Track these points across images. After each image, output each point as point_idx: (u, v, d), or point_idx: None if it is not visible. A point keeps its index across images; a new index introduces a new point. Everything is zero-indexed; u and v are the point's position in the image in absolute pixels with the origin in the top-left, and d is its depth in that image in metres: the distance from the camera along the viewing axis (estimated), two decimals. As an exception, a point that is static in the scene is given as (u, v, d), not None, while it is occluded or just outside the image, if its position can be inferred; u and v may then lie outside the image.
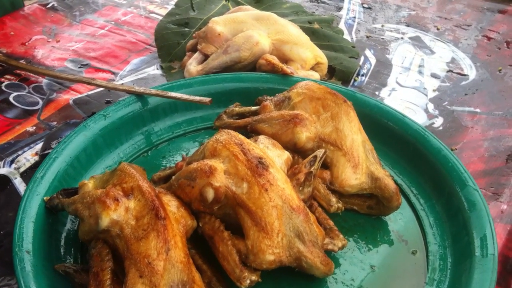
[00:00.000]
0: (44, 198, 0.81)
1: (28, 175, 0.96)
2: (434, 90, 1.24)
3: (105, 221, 0.69)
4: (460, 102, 1.20)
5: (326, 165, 0.87)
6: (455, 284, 0.77)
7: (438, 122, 1.14)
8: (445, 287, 0.77)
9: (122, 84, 1.17)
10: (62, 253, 0.80)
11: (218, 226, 0.75)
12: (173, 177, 0.81)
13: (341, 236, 0.80)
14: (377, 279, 0.80)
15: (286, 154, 0.83)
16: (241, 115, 1.01)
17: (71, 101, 1.15)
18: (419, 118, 1.14)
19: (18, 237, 0.74)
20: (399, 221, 0.89)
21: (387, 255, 0.83)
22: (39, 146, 1.02)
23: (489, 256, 0.76)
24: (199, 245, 0.77)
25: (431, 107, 1.18)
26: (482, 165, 1.02)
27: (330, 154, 0.87)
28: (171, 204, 0.75)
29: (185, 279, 0.69)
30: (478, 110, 1.17)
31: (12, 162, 0.99)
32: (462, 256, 0.79)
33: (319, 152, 0.82)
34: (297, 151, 0.88)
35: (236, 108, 1.02)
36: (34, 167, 0.97)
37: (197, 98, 0.99)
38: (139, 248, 0.68)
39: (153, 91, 1.01)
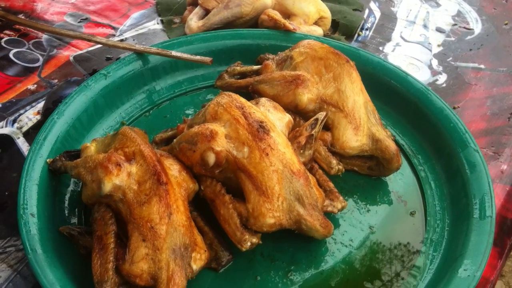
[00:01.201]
0: (47, 160, 0.82)
1: (30, 134, 0.96)
2: (438, 45, 1.22)
3: (107, 187, 0.70)
4: (465, 58, 1.19)
5: (327, 126, 0.87)
6: (451, 245, 0.78)
7: (442, 79, 1.13)
8: (442, 248, 0.79)
9: (122, 40, 1.16)
10: (67, 215, 0.81)
11: (219, 189, 0.76)
12: (175, 140, 0.81)
13: (341, 198, 0.81)
14: (375, 239, 0.81)
15: (287, 117, 0.83)
16: (243, 75, 1.00)
17: (71, 58, 1.14)
18: (422, 74, 1.13)
19: (23, 200, 0.76)
20: (399, 181, 0.90)
21: (386, 216, 0.85)
22: (40, 105, 1.02)
23: (487, 218, 0.77)
24: (201, 208, 0.78)
25: (435, 63, 1.17)
26: (484, 124, 1.02)
27: (332, 116, 0.87)
28: (173, 168, 0.76)
29: (187, 242, 0.70)
30: (482, 66, 1.16)
31: (14, 121, 0.99)
32: (460, 217, 0.81)
33: (321, 115, 0.82)
34: (299, 112, 0.88)
35: (238, 67, 1.01)
36: (37, 126, 0.97)
37: (198, 57, 0.98)
38: (142, 212, 0.69)
39: (154, 49, 1.00)
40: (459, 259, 0.73)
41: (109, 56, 1.14)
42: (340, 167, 0.85)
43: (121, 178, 0.71)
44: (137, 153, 0.73)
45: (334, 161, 0.85)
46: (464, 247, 0.75)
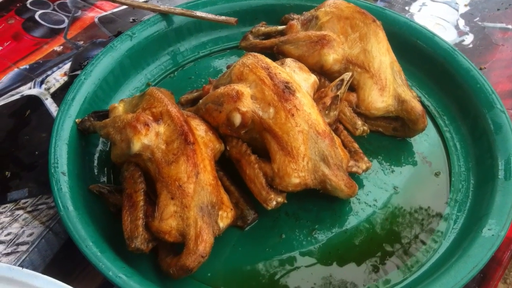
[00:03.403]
0: (76, 120, 0.83)
1: (58, 95, 0.98)
2: (465, 5, 1.20)
3: (136, 146, 0.71)
4: (492, 18, 1.16)
5: (352, 87, 0.87)
6: (476, 206, 0.78)
7: (468, 39, 1.11)
8: (467, 208, 0.79)
9: (147, 1, 1.16)
10: (96, 174, 0.83)
11: (245, 149, 0.77)
12: (201, 101, 0.82)
13: (365, 158, 0.81)
14: (399, 200, 0.82)
15: (313, 78, 0.83)
16: (267, 35, 1.00)
17: (96, 20, 1.14)
18: (449, 35, 1.11)
19: (53, 159, 0.77)
20: (424, 142, 0.90)
21: (411, 177, 0.85)
22: (67, 66, 1.04)
23: (512, 179, 0.77)
24: (227, 168, 0.79)
25: (461, 23, 1.15)
26: (510, 85, 1.01)
27: (357, 77, 0.87)
28: (199, 128, 0.77)
29: (214, 200, 0.72)
30: (510, 26, 1.14)
31: (42, 82, 1.00)
32: (484, 178, 0.81)
33: (346, 76, 0.82)
34: (324, 73, 0.88)
35: (262, 27, 1.01)
36: (64, 87, 0.99)
37: (223, 18, 0.98)
38: (170, 171, 0.71)
39: (178, 10, 1.00)
40: (484, 219, 0.74)
41: (134, 18, 1.14)
42: (365, 128, 0.85)
43: (150, 138, 0.72)
44: (164, 114, 0.74)
45: (359, 122, 0.85)
46: (488, 207, 0.75)
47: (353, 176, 0.81)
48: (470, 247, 0.71)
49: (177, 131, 0.72)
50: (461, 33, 1.12)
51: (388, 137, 0.90)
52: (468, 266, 0.68)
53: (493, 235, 0.71)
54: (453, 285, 0.66)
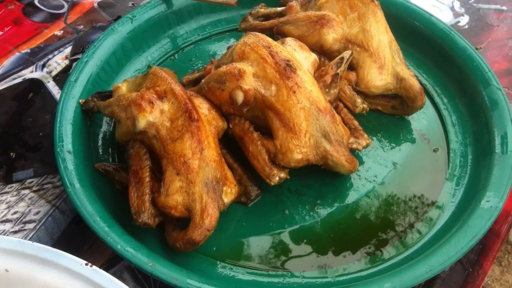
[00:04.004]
0: (80, 101, 0.84)
1: (60, 78, 0.99)
2: (461, -13, 1.22)
3: (141, 123, 0.72)
4: (487, 0, 1.18)
5: (352, 66, 0.88)
6: (474, 180, 0.80)
7: (464, 20, 1.13)
8: (465, 182, 0.81)
9: (145, -15, 1.17)
10: (101, 154, 0.84)
11: (247, 127, 0.78)
12: (203, 80, 0.83)
13: (365, 135, 0.83)
14: (399, 175, 0.84)
15: (313, 56, 0.84)
16: (267, 17, 1.01)
17: (95, 4, 1.15)
18: (445, 16, 1.13)
19: (59, 138, 0.78)
20: (422, 120, 0.91)
21: (410, 153, 0.87)
22: (68, 50, 1.04)
23: (509, 153, 0.79)
24: (230, 146, 0.81)
25: (457, 5, 1.17)
26: (506, 64, 1.02)
27: (356, 56, 0.88)
28: (202, 106, 0.78)
29: (219, 176, 0.73)
30: (504, 8, 1.16)
31: (43, 66, 1.01)
32: (482, 153, 0.83)
33: (346, 54, 0.83)
34: (324, 53, 0.89)
35: (262, 9, 1.02)
36: (66, 70, 1.00)
37: (223, -1, 0.99)
38: (175, 148, 0.72)
39: (178, -8, 1.01)
40: (482, 192, 0.76)
41: (133, 2, 1.15)
42: (365, 105, 0.87)
43: (154, 115, 0.73)
44: (168, 92, 0.75)
45: (359, 100, 0.86)
46: (486, 180, 0.77)
47: (354, 152, 0.83)
48: (469, 218, 0.73)
49: (181, 109, 0.73)
50: (456, 15, 1.14)
51: (387, 115, 0.92)
52: (467, 236, 0.70)
53: (491, 206, 0.73)
54: (453, 254, 0.68)
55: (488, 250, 0.77)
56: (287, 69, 0.76)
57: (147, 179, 0.72)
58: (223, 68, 0.79)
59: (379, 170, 0.84)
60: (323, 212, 0.79)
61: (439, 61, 0.97)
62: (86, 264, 0.63)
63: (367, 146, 0.83)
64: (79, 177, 0.75)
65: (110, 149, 0.86)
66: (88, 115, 0.85)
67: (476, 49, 1.03)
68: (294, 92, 0.75)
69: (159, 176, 0.74)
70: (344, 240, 0.76)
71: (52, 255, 0.64)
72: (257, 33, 0.82)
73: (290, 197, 0.81)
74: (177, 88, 0.75)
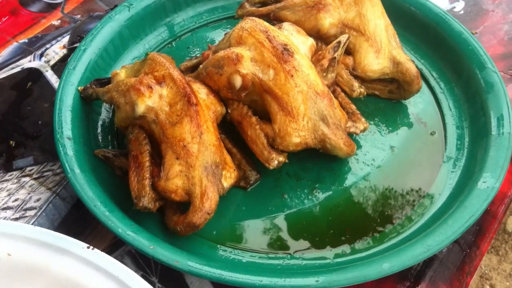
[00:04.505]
0: (79, 88, 0.85)
1: (58, 67, 0.99)
2: (456, -27, 1.22)
3: (141, 108, 0.73)
4: (483, -15, 1.19)
5: (348, 51, 0.89)
6: (471, 162, 0.81)
7: (459, 6, 1.13)
8: (462, 164, 0.82)
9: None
10: (100, 141, 0.85)
11: (246, 111, 0.79)
12: (201, 66, 0.83)
13: (363, 119, 0.84)
14: (396, 159, 0.84)
15: (310, 41, 0.85)
16: (264, 3, 1.01)
17: (92, -6, 1.15)
18: (440, 2, 1.13)
19: (58, 124, 0.79)
20: (419, 104, 0.92)
21: (407, 137, 0.87)
22: (66, 39, 1.05)
23: (505, 134, 0.79)
24: (228, 131, 0.81)
25: (453, -10, 1.17)
26: (501, 49, 1.03)
27: (353, 40, 0.88)
28: (201, 91, 0.79)
29: (218, 160, 0.74)
30: (500, -8, 1.16)
31: (41, 55, 1.01)
32: (478, 135, 0.83)
33: (343, 38, 0.84)
34: (321, 37, 0.90)
35: (258, -5, 1.02)
36: (64, 59, 1.00)
37: (219, -14, 1.00)
38: (174, 132, 0.72)
39: (175, -20, 1.01)
40: (478, 173, 0.77)
41: (129, -9, 1.15)
42: (362, 90, 0.87)
43: (153, 100, 0.73)
44: (166, 77, 0.76)
45: (356, 84, 0.87)
46: (483, 162, 0.78)
47: (351, 136, 0.83)
48: (466, 199, 0.73)
49: (180, 93, 0.74)
50: (452, 0, 1.14)
51: (384, 100, 0.92)
52: (464, 216, 0.71)
53: (488, 187, 0.74)
54: (451, 234, 0.69)
55: (485, 232, 0.78)
56: (284, 53, 0.77)
57: (147, 163, 0.73)
58: (221, 53, 0.79)
59: (376, 154, 0.85)
60: (322, 195, 0.80)
61: (435, 46, 0.97)
62: (88, 247, 0.64)
63: (364, 130, 0.83)
64: (79, 163, 0.76)
65: (109, 136, 0.86)
66: (87, 102, 0.85)
67: (472, 34, 1.04)
68: (292, 75, 0.76)
69: (158, 161, 0.74)
70: (343, 222, 0.77)
71: (54, 238, 0.64)
72: (254, 18, 0.82)
73: (289, 181, 0.81)
74: (176, 73, 0.75)
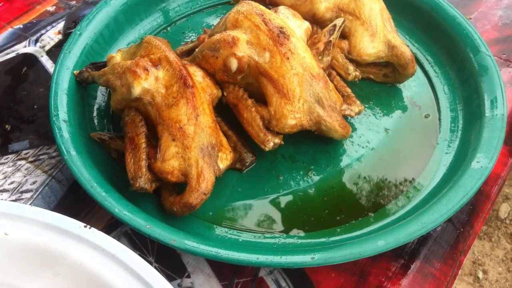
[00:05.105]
0: (74, 72, 0.85)
1: (53, 53, 0.99)
2: (450, -40, 1.22)
3: (137, 90, 0.73)
4: (477, -29, 1.19)
5: (344, 35, 0.89)
6: (464, 143, 0.82)
7: (454, -8, 1.14)
8: (456, 145, 0.83)
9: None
10: (96, 124, 0.85)
11: (242, 94, 0.79)
12: (197, 49, 0.83)
13: (358, 102, 0.84)
14: (391, 141, 0.85)
15: (306, 24, 0.85)
16: (259, -12, 1.01)
17: (87, -20, 1.15)
18: (434, -12, 1.14)
19: (54, 107, 0.79)
20: (413, 88, 0.93)
21: (401, 119, 0.88)
22: (61, 25, 1.05)
23: (498, 116, 0.80)
24: (224, 114, 0.82)
25: (447, -23, 1.18)
26: (495, 33, 1.04)
27: (348, 24, 0.89)
28: (197, 74, 0.79)
29: (214, 142, 0.74)
30: (494, -22, 1.17)
31: (36, 41, 1.01)
32: (472, 117, 0.84)
33: (338, 21, 0.84)
34: (316, 21, 0.90)
35: (253, -20, 1.02)
36: (59, 45, 1.00)
37: (215, -29, 1.00)
38: (170, 114, 0.73)
39: (170, -35, 1.01)
40: (472, 153, 0.77)
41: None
42: (357, 73, 0.88)
43: (150, 82, 0.74)
44: (162, 59, 0.76)
45: (351, 67, 0.87)
46: (476, 143, 0.79)
47: (346, 119, 0.84)
48: (460, 179, 0.74)
49: (176, 75, 0.74)
50: (446, -13, 1.15)
51: (378, 84, 0.93)
52: (458, 195, 0.71)
53: (481, 166, 0.74)
54: (445, 212, 0.69)
55: (478, 211, 0.79)
56: (280, 36, 0.77)
57: (143, 145, 0.73)
58: (217, 36, 0.79)
59: (371, 136, 0.86)
60: (317, 177, 0.81)
61: (429, 30, 0.98)
62: (85, 226, 0.64)
63: (359, 112, 0.84)
64: (75, 145, 0.76)
65: (105, 120, 0.86)
66: (82, 86, 0.85)
67: (466, 19, 1.05)
68: (288, 58, 0.76)
69: (154, 143, 0.75)
70: (338, 203, 0.78)
71: (51, 218, 0.65)
72: (250, 1, 0.83)
73: (284, 164, 0.82)
74: (171, 56, 0.76)
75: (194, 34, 1.00)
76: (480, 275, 1.75)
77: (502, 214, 1.92)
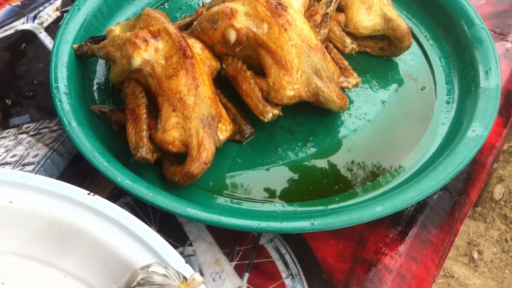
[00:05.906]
0: (74, 46, 0.85)
1: (52, 29, 0.99)
2: None
3: (137, 61, 0.74)
4: None
5: (340, 8, 0.90)
6: (460, 114, 0.83)
7: (449, -32, 1.14)
8: (451, 116, 0.84)
9: None
10: (96, 98, 0.86)
11: (240, 66, 0.80)
12: (195, 22, 0.84)
13: (355, 74, 0.85)
14: (388, 113, 0.86)
15: (303, -4, 0.86)
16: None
17: (83, -43, 1.15)
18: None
19: (55, 79, 0.79)
20: (409, 61, 0.94)
21: (398, 92, 0.89)
22: (58, 2, 1.05)
23: (493, 86, 0.82)
24: (223, 87, 0.83)
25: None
26: (489, 8, 1.05)
27: (345, -3, 0.90)
28: (196, 46, 0.80)
29: (214, 113, 0.75)
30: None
31: (34, 18, 1.02)
32: (468, 88, 0.85)
33: (335, -7, 0.85)
34: (313, -5, 0.91)
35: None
36: (57, 21, 1.01)
37: None
38: (170, 85, 0.73)
39: None
40: (468, 123, 0.79)
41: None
42: (354, 46, 0.89)
43: (149, 53, 0.74)
44: (162, 31, 0.76)
45: (348, 40, 0.88)
46: (472, 112, 0.80)
47: (344, 92, 0.84)
48: (456, 147, 0.75)
49: (176, 47, 0.75)
50: (441, -37, 1.15)
51: (375, 57, 0.94)
52: (454, 162, 0.73)
53: (477, 135, 0.76)
54: (441, 179, 0.71)
55: (474, 180, 0.80)
56: (278, 7, 0.78)
57: (144, 116, 0.74)
58: (215, 8, 0.80)
59: (368, 108, 0.87)
60: (315, 148, 0.82)
61: (425, 4, 0.99)
62: (89, 194, 0.65)
63: (357, 84, 0.85)
64: (75, 117, 0.76)
65: (105, 94, 0.87)
66: (82, 61, 0.86)
67: (461, -6, 1.06)
68: (286, 29, 0.77)
69: (155, 114, 0.76)
70: (336, 173, 0.79)
71: (54, 186, 0.66)
72: (248, -26, 0.83)
73: (283, 135, 0.83)
74: (171, 27, 0.76)
75: (192, 9, 1.01)
76: (475, 255, 1.77)
77: (496, 195, 1.95)
